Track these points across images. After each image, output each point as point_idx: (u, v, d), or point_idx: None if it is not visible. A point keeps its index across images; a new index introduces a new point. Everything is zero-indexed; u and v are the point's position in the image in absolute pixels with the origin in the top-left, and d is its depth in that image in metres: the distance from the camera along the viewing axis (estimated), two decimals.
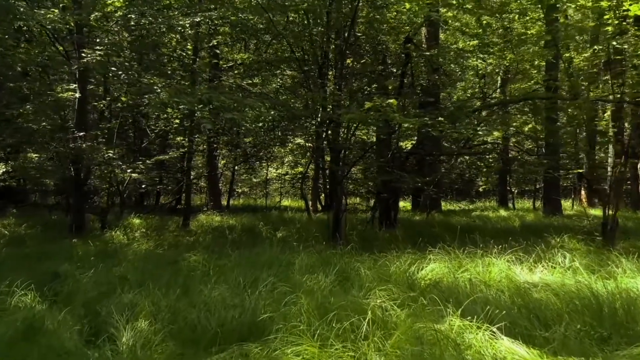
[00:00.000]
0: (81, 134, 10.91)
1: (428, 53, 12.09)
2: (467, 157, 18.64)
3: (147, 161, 12.30)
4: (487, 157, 19.24)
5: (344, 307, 3.97)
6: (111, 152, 11.34)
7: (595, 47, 8.64)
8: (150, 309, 4.17)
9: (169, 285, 5.01)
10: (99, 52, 9.68)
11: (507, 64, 15.17)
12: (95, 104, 13.82)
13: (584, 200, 22.10)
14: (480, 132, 10.49)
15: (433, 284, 4.95)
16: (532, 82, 16.34)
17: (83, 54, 9.86)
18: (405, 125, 10.88)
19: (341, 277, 5.42)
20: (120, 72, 10.43)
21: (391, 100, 7.23)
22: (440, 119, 8.21)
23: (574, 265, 5.52)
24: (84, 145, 10.79)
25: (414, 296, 4.45)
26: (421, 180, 12.07)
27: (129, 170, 11.27)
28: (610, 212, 8.74)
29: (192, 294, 4.72)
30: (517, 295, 4.49)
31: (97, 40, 11.71)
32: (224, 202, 20.44)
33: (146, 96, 11.05)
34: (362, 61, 12.22)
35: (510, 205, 21.85)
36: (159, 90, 9.42)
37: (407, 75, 12.24)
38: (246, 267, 5.74)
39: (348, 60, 11.90)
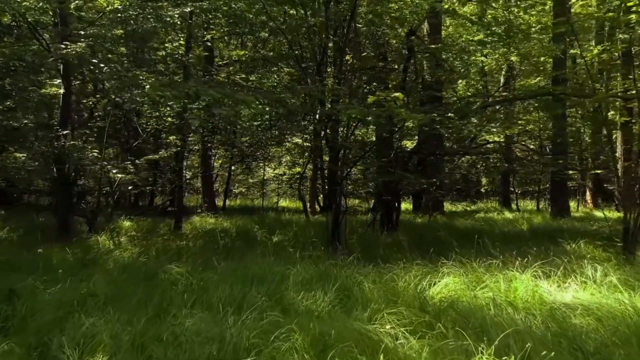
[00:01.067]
0: (65, 132, 10.21)
1: (433, 46, 11.45)
2: (469, 157, 18.04)
3: (137, 161, 11.63)
4: (491, 156, 18.64)
5: (348, 342, 3.25)
6: (96, 151, 10.65)
7: (621, 36, 7.97)
8: (109, 342, 3.44)
9: (140, 305, 4.30)
10: (80, 44, 8.96)
11: (514, 60, 14.54)
12: (85, 101, 13.14)
13: (589, 201, 21.46)
14: (493, 130, 9.84)
15: (449, 304, 4.25)
16: (539, 79, 15.72)
17: (62, 47, 9.15)
18: (409, 122, 10.24)
19: (342, 294, 4.70)
20: (102, 65, 9.72)
21: (397, 94, 6.55)
22: (450, 114, 7.53)
23: (608, 280, 4.83)
24: (67, 144, 10.09)
25: (429, 321, 3.76)
26: (425, 181, 11.43)
27: (114, 171, 10.56)
28: (634, 215, 8.06)
29: (164, 320, 3.99)
30: (551, 319, 3.80)
31: (82, 32, 11.01)
32: (220, 203, 19.80)
33: (135, 91, 10.37)
34: (362, 54, 11.56)
35: (514, 206, 21.24)
36: (145, 84, 8.73)
37: (409, 71, 11.59)
38: (234, 282, 5.01)
39: (347, 57, 11.26)
